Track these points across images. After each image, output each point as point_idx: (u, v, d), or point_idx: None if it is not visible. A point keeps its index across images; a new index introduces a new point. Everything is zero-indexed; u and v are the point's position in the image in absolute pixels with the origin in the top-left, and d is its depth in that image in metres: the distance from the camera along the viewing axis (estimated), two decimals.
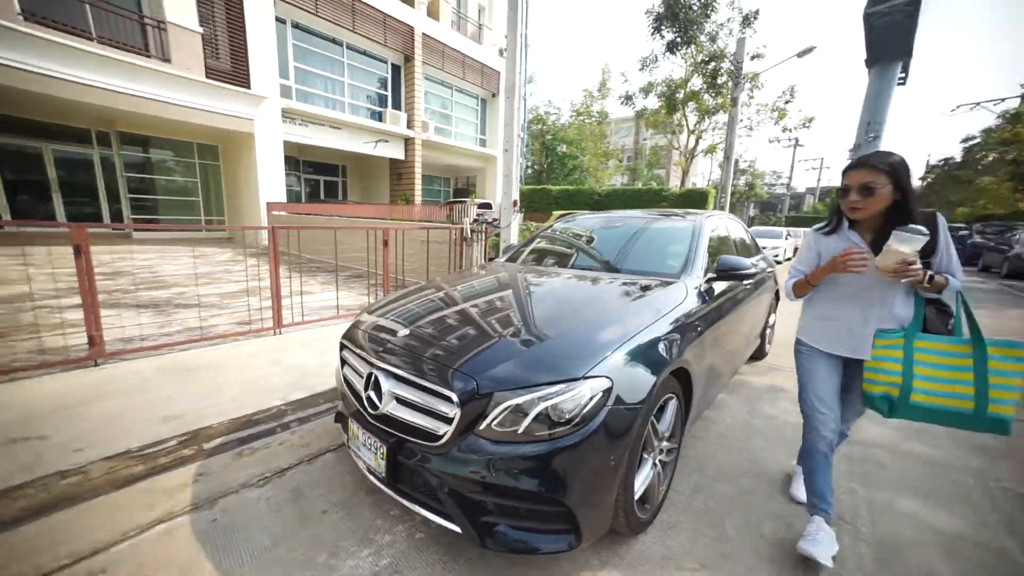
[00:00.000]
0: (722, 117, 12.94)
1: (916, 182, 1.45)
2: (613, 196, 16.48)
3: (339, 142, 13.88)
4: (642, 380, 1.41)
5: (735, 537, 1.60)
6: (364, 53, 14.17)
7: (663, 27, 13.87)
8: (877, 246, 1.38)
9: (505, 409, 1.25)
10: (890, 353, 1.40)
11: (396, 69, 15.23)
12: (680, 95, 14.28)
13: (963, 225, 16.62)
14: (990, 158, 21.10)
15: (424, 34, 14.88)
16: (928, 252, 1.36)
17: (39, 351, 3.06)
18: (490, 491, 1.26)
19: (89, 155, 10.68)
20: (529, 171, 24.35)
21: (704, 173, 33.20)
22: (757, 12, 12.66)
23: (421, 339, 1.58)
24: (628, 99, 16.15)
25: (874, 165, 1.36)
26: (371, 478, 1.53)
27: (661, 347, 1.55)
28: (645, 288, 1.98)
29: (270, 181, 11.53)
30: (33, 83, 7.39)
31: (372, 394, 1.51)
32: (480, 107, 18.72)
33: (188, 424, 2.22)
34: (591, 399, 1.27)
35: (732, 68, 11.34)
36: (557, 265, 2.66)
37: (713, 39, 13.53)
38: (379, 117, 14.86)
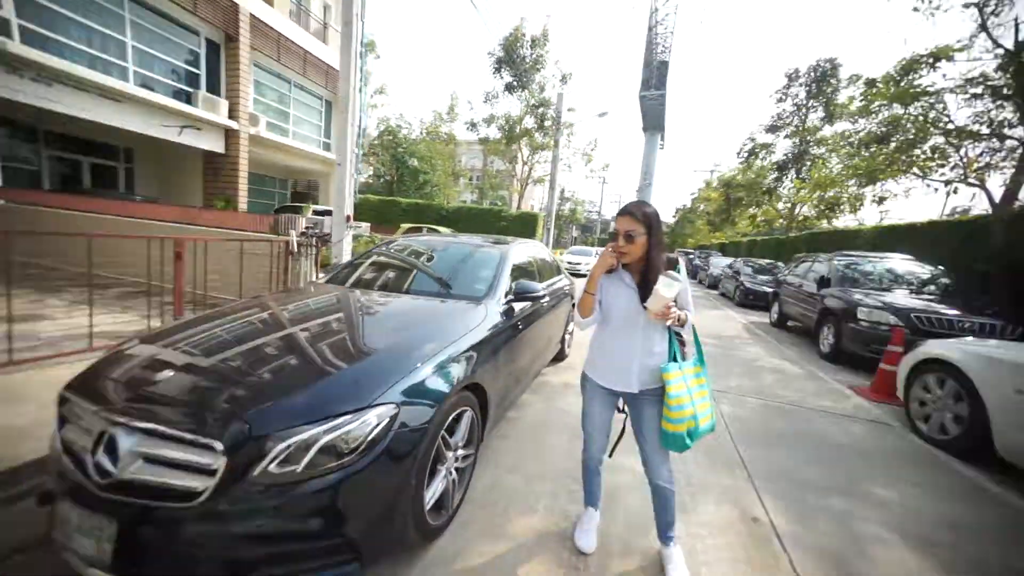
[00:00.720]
0: (548, 154, 15.30)
1: (669, 223, 1.90)
2: (459, 213, 17.36)
3: (118, 118, 10.67)
4: (429, 401, 1.53)
5: (518, 526, 1.88)
6: (160, 14, 11.37)
7: (503, 69, 15.64)
8: (642, 286, 1.52)
9: (286, 448, 1.20)
10: (679, 387, 1.48)
11: (214, 47, 12.71)
12: (517, 130, 16.23)
13: (690, 250, 23.82)
14: (700, 207, 32.52)
15: (253, 15, 12.92)
16: None
17: None
18: (263, 541, 1.19)
19: None
20: (381, 180, 23.44)
21: (540, 198, 38.25)
22: (571, 74, 15.70)
23: (185, 380, 1.44)
24: (473, 126, 17.51)
25: (634, 214, 1.50)
26: (91, 574, 1.17)
27: (453, 368, 1.77)
28: (448, 311, 2.26)
29: None
30: None
31: (104, 459, 1.21)
32: (325, 108, 17.19)
33: None
34: (376, 426, 1.32)
35: (554, 116, 13.57)
36: (370, 288, 2.74)
37: (542, 88, 15.98)
38: (187, 99, 12.08)
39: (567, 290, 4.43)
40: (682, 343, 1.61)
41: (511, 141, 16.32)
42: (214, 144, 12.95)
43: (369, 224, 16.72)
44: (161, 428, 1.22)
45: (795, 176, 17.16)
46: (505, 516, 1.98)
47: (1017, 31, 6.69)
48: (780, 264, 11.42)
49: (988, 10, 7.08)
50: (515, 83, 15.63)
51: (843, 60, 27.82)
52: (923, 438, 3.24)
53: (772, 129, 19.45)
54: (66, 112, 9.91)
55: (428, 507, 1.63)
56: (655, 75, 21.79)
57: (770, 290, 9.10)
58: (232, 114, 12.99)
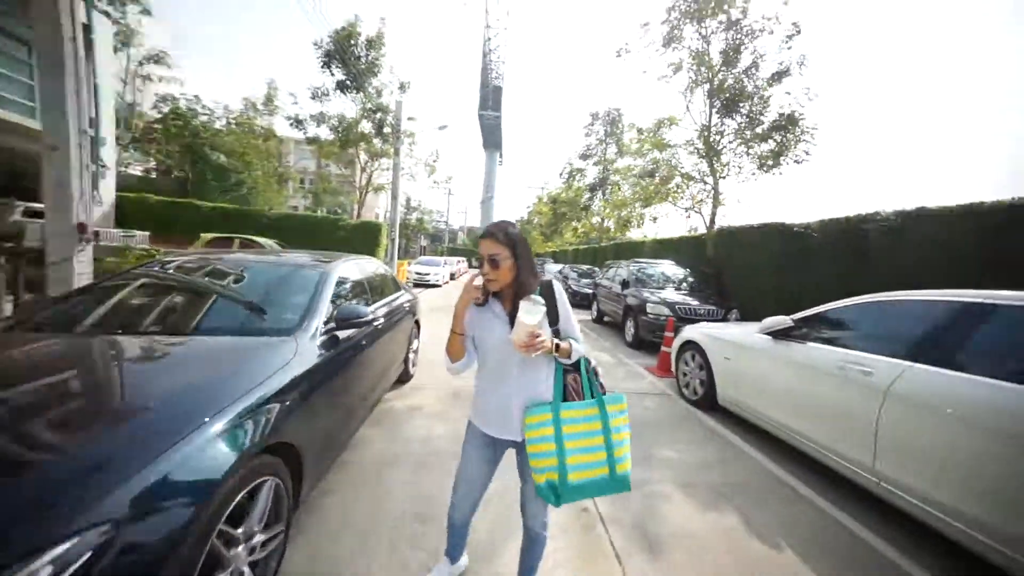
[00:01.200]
0: (389, 161, 14.73)
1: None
2: (287, 221, 14.98)
3: None
4: (186, 498, 1.10)
5: None
6: None
7: (333, 64, 14.28)
8: (515, 315, 1.31)
9: None
10: (542, 432, 1.32)
11: None
12: (352, 134, 15.05)
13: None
14: (535, 219, 36.89)
15: None
16: (552, 320, 1.40)
17: None
18: None
19: None
20: (170, 178, 18.28)
21: (385, 207, 36.58)
22: (409, 83, 15.45)
23: None
24: (299, 123, 15.38)
25: (495, 235, 1.36)
26: None
27: (237, 433, 1.36)
28: (237, 355, 1.78)
29: None
30: None
31: None
32: (37, 59, 12.29)
33: None
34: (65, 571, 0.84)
35: (394, 123, 13.14)
36: (113, 330, 1.98)
37: (380, 93, 15.25)
38: None
39: (408, 306, 4.27)
40: (574, 378, 1.42)
41: (346, 145, 14.96)
42: None
43: (148, 233, 12.84)
44: None
45: (602, 196, 21.05)
46: None
47: (711, 112, 9.82)
48: (597, 269, 13.74)
49: (687, 98, 10.22)
50: (349, 83, 14.44)
51: (626, 109, 36.35)
52: (687, 401, 4.31)
53: (584, 156, 23.40)
54: None
55: None
56: (491, 97, 23.47)
57: (590, 291, 10.82)
58: None
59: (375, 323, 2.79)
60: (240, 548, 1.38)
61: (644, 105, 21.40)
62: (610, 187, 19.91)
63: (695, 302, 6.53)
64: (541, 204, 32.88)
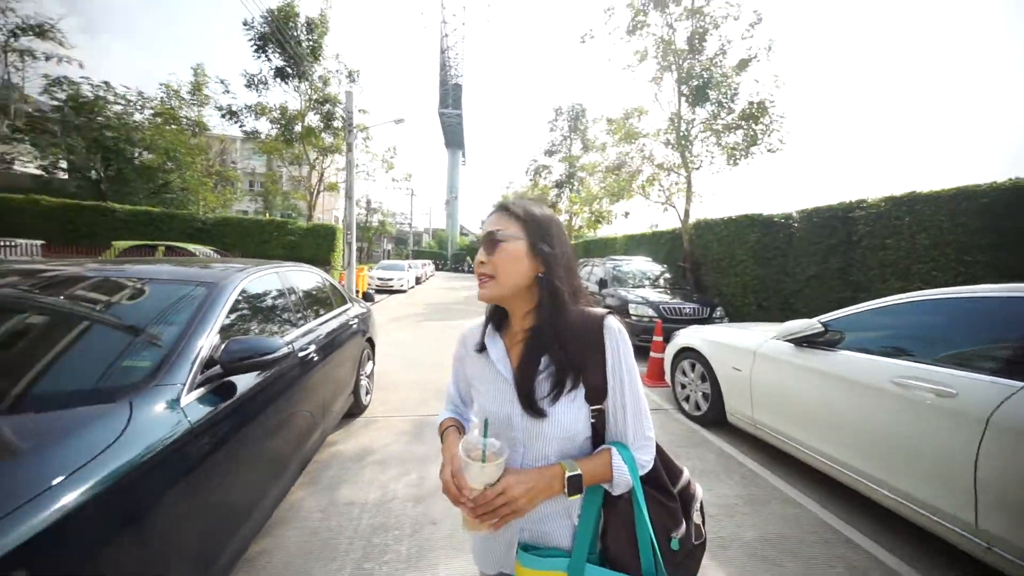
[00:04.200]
0: (343, 159, 13.51)
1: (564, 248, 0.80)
2: (225, 225, 13.39)
3: None
4: None
5: None
6: None
7: (269, 48, 12.86)
8: (523, 369, 0.77)
9: None
10: None
11: None
12: (298, 128, 13.65)
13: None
14: None
15: None
16: (599, 396, 0.75)
17: None
18: None
19: None
20: (76, 177, 15.96)
21: (343, 208, 34.63)
22: (359, 71, 14.20)
23: None
24: (232, 115, 13.72)
25: (509, 210, 0.79)
26: None
27: None
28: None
29: None
30: None
31: None
32: None
33: None
34: None
35: (344, 116, 11.97)
36: None
37: (326, 83, 13.92)
38: None
39: (356, 324, 3.45)
40: (623, 520, 0.73)
41: (291, 140, 13.49)
42: None
43: (40, 242, 10.97)
44: None
45: (570, 192, 20.68)
46: None
47: (679, 101, 9.52)
48: None
49: (656, 87, 9.85)
50: (289, 70, 13.01)
51: (591, 104, 35.93)
52: (688, 417, 3.77)
53: (549, 153, 22.94)
54: None
55: None
56: (451, 95, 22.56)
57: None
58: None
59: (301, 355, 2.01)
60: None
61: (610, 98, 21.26)
62: (577, 183, 19.56)
63: (678, 301, 6.10)
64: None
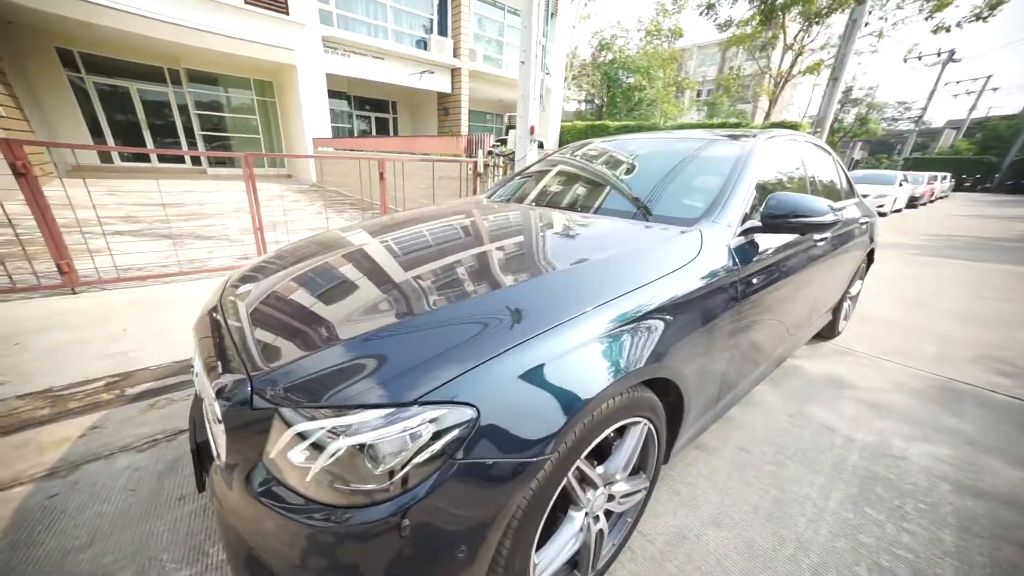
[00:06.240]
0: (837, 23, 10.06)
1: None
2: (680, 130, 14.32)
3: (383, 74, 13.22)
4: (549, 410, 0.79)
5: None
6: None
7: None
8: None
9: (294, 436, 0.72)
10: None
11: None
12: None
13: None
14: None
15: None
16: None
17: (30, 274, 2.94)
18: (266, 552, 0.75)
19: (165, 94, 11.21)
20: (591, 105, 22.03)
21: (799, 106, 27.65)
22: None
23: (262, 314, 1.07)
24: (710, 7, 13.20)
25: None
26: None
27: (611, 346, 0.91)
28: (630, 242, 1.28)
29: (315, 116, 11.46)
30: (108, 18, 8.09)
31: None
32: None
33: (127, 363, 2.07)
34: (429, 442, 0.69)
35: None
36: (528, 202, 2.01)
37: None
38: (424, 45, 13.81)
39: (864, 226, 2.59)
40: None
41: (767, 19, 11.38)
42: (443, 84, 14.54)
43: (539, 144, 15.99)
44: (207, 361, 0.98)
45: None
46: None
47: None
48: None
49: None
50: None
51: None
52: None
53: None
54: (360, 77, 12.86)
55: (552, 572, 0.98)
56: None
57: None
58: (455, 52, 14.06)
59: (831, 228, 1.65)
60: (595, 492, 1.04)
61: None
62: None
63: None
64: None
